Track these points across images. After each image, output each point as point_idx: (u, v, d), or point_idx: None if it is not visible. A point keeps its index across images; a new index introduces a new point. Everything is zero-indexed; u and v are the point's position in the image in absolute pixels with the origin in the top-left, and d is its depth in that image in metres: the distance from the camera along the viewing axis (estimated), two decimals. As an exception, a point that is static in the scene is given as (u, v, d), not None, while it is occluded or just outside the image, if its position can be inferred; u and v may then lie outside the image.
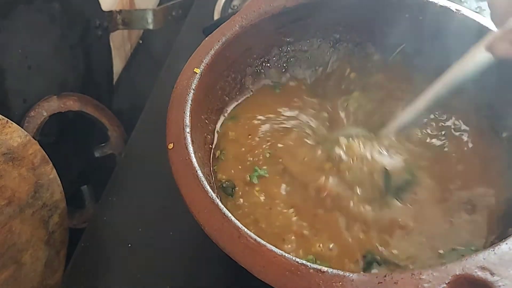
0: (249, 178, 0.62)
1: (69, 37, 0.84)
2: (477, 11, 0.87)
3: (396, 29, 0.70)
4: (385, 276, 0.42)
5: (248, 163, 0.63)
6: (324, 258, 0.55)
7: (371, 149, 0.61)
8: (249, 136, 0.66)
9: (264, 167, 0.63)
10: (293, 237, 0.57)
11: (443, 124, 0.66)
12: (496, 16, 0.56)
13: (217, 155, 0.64)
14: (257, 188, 0.61)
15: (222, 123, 0.68)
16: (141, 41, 1.18)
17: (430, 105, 0.62)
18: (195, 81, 0.59)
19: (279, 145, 0.65)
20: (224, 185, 0.61)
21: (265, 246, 0.45)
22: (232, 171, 0.63)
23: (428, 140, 0.65)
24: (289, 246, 0.56)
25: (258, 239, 0.46)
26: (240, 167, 0.63)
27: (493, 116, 0.65)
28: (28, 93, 0.77)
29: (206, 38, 0.64)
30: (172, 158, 0.53)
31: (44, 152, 0.68)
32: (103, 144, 0.89)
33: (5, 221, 0.63)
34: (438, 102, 0.61)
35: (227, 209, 0.49)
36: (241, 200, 0.61)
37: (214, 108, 0.66)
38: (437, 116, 0.67)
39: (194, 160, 0.52)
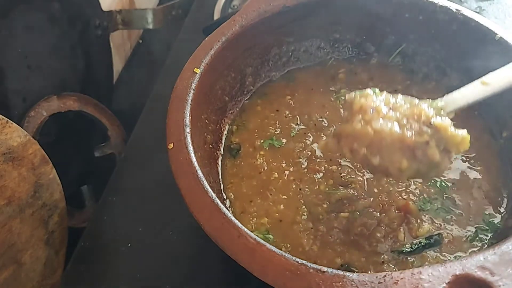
0: (261, 142, 0.66)
1: (69, 37, 0.84)
2: (477, 11, 0.87)
3: (396, 29, 0.70)
4: (385, 275, 0.42)
5: (268, 133, 0.67)
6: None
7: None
8: (277, 111, 0.70)
9: (281, 139, 0.66)
10: (259, 201, 0.60)
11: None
12: None
13: (237, 126, 0.69)
14: (261, 152, 0.65)
15: (249, 99, 0.72)
16: (141, 41, 1.18)
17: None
18: (195, 81, 0.59)
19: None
20: (231, 146, 0.66)
21: (264, 245, 0.45)
22: (247, 137, 0.67)
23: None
24: (253, 211, 0.59)
25: (258, 239, 0.46)
26: (256, 135, 0.67)
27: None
28: (28, 93, 0.77)
29: (206, 38, 0.64)
30: (172, 158, 0.53)
31: (44, 152, 0.68)
32: (103, 144, 0.89)
33: (5, 221, 0.63)
34: None
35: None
36: (240, 160, 0.65)
37: (214, 108, 0.66)
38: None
39: (194, 160, 0.52)
